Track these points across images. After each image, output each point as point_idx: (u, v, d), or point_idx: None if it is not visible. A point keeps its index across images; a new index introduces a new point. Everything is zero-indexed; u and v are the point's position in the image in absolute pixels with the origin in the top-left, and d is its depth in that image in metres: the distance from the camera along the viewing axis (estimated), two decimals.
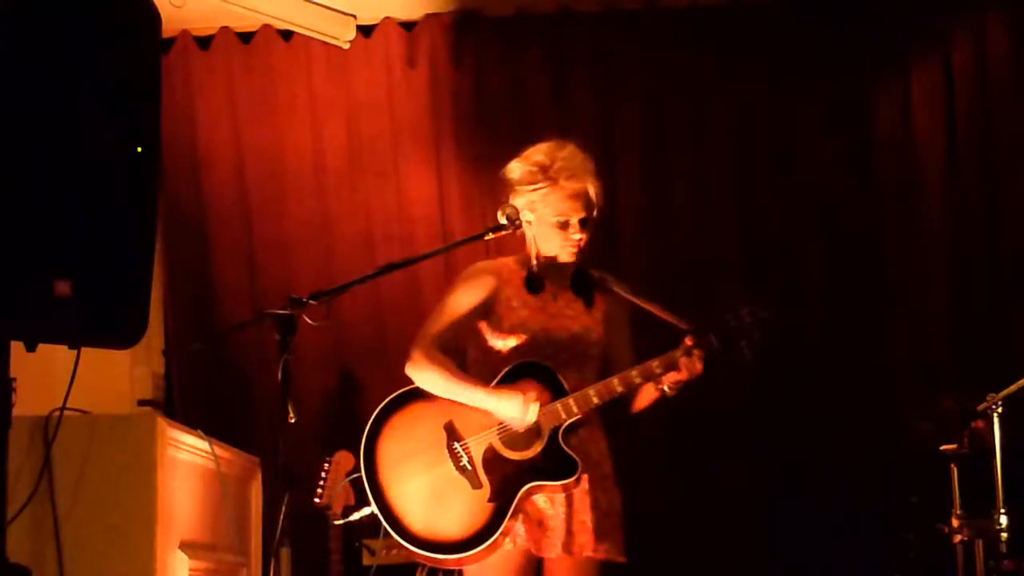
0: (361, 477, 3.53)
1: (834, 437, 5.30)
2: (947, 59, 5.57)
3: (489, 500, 3.49)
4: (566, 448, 3.51)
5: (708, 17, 5.67)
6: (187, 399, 5.58)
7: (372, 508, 3.52)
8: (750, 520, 5.30)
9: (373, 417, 3.58)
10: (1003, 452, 4.25)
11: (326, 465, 4.73)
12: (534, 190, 3.63)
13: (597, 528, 3.56)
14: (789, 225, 5.54)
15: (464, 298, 3.70)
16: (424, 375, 3.58)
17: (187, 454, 3.79)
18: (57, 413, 3.31)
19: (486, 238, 3.64)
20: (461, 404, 3.57)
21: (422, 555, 3.51)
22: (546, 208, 3.63)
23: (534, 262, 3.68)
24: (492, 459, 3.54)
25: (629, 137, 5.65)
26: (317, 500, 4.68)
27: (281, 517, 3.13)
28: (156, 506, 3.46)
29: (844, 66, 5.59)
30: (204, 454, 3.92)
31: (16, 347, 2.78)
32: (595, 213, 3.67)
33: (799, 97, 5.60)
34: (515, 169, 3.69)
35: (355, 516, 3.73)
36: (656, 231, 5.59)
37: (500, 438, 3.54)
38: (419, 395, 3.61)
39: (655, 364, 3.54)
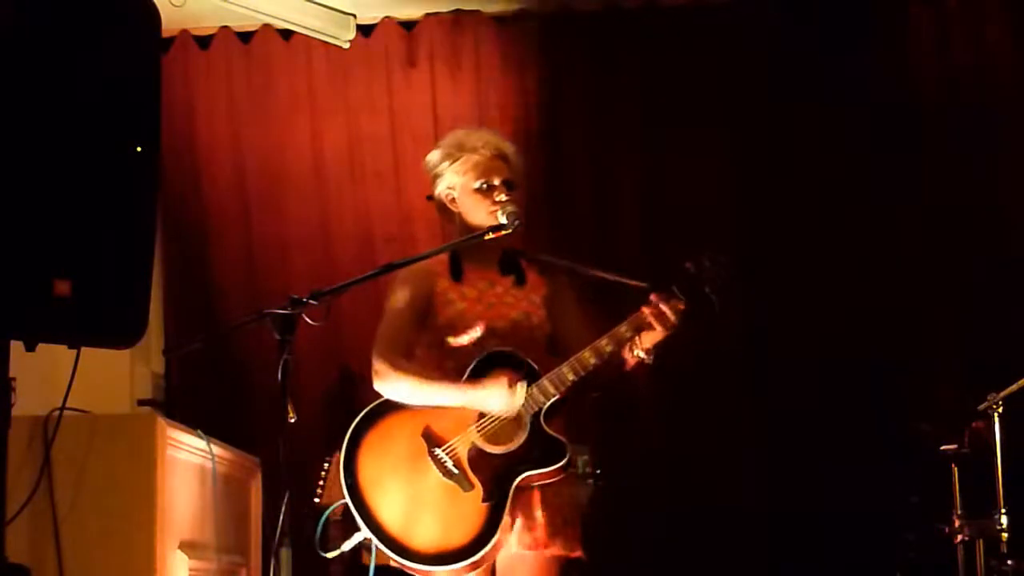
0: (347, 503, 3.41)
1: (835, 437, 5.29)
2: (947, 53, 5.58)
3: (483, 500, 3.41)
4: (550, 432, 3.43)
5: (708, 16, 5.67)
6: (187, 399, 5.58)
7: (365, 533, 3.41)
8: (750, 520, 5.30)
9: (347, 438, 3.47)
10: (1003, 452, 4.25)
11: (326, 465, 4.72)
12: (453, 163, 3.63)
13: (549, 524, 3.47)
14: (789, 224, 5.54)
15: (402, 298, 3.63)
16: (394, 386, 3.50)
17: (187, 454, 3.79)
18: (57, 413, 3.30)
19: (486, 238, 3.63)
20: (434, 409, 3.47)
21: (430, 571, 3.40)
22: (467, 177, 3.61)
23: (458, 240, 3.59)
24: (478, 457, 3.45)
25: (629, 137, 5.64)
26: (317, 500, 4.67)
27: (281, 517, 3.12)
28: (156, 506, 3.46)
29: (843, 64, 5.59)
30: (204, 454, 3.91)
31: (16, 347, 2.78)
32: (519, 182, 3.65)
33: (799, 95, 5.59)
34: (433, 154, 3.68)
35: (346, 547, 3.47)
36: (655, 230, 5.59)
37: (482, 435, 3.45)
38: (389, 408, 3.51)
39: (623, 328, 3.43)
